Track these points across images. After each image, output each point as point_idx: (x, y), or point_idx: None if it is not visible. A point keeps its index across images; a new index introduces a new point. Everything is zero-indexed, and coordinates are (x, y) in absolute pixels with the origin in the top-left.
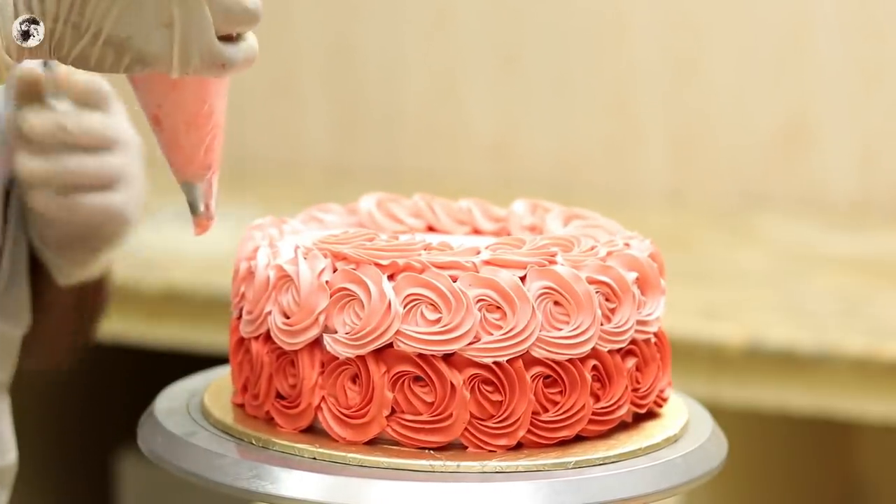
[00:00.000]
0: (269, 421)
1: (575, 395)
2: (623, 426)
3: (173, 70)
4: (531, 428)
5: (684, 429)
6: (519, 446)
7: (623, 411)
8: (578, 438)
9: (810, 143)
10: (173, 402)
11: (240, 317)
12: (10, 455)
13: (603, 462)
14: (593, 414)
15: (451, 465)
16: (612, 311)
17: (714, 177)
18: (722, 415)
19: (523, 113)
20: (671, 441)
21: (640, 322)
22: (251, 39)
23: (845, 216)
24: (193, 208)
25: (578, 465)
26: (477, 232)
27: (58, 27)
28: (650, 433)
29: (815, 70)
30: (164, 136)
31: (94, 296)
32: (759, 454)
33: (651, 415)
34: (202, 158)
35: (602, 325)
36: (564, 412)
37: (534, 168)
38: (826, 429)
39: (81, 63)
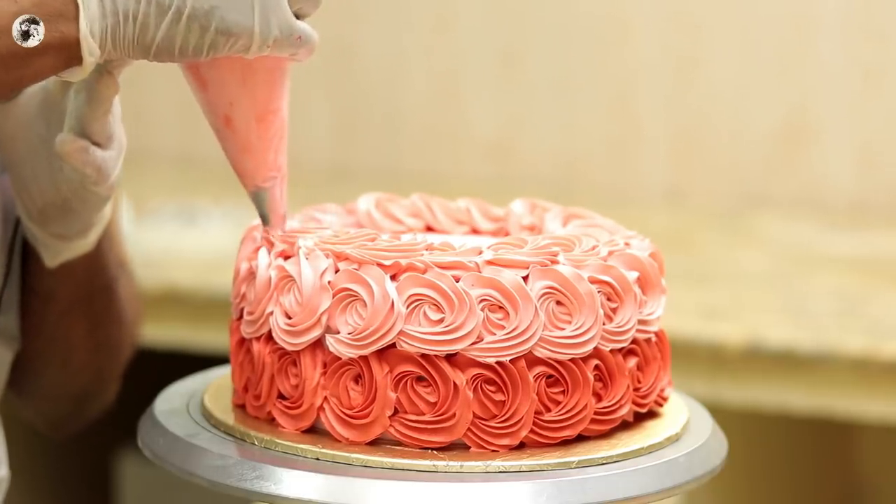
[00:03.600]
0: (271, 421)
1: (577, 395)
2: (624, 425)
3: (254, 42)
4: (534, 427)
5: (685, 428)
6: (521, 446)
7: (625, 411)
8: (580, 438)
9: (810, 143)
10: (173, 403)
11: (240, 317)
12: (1, 469)
13: (605, 462)
14: (595, 413)
15: (454, 465)
16: (614, 310)
17: (714, 177)
18: (722, 415)
19: (524, 113)
20: (673, 440)
21: (641, 321)
22: (312, 30)
23: (845, 216)
24: (265, 219)
25: (581, 465)
26: (476, 232)
27: (141, 7)
28: (651, 433)
29: (816, 70)
30: (236, 137)
31: (106, 313)
32: (759, 454)
33: (652, 414)
34: (272, 160)
35: (604, 324)
36: (567, 412)
37: (535, 168)
38: (826, 429)
39: (167, 46)
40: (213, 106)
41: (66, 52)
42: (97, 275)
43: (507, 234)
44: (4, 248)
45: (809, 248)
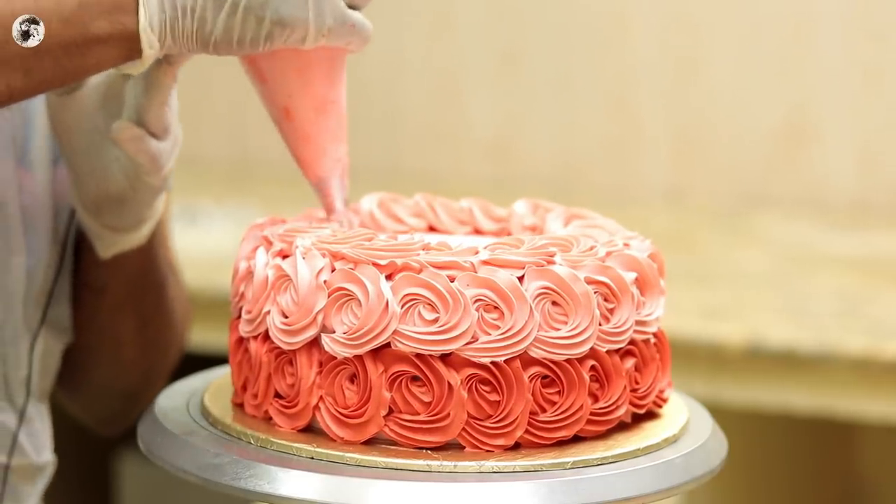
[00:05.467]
0: (268, 420)
1: (573, 396)
2: (622, 427)
3: (310, 32)
4: (529, 428)
5: (684, 429)
6: (517, 446)
7: (621, 412)
8: (577, 439)
9: (810, 143)
10: (173, 402)
11: (239, 316)
12: (46, 454)
13: (601, 462)
14: (591, 414)
15: (448, 465)
16: (611, 311)
17: (714, 176)
18: (722, 415)
19: (524, 113)
20: (670, 441)
21: (639, 322)
22: (365, 19)
23: (845, 216)
24: (328, 208)
25: (576, 466)
26: (478, 232)
27: (198, 3)
28: (649, 433)
29: (816, 70)
30: (296, 129)
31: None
32: (759, 454)
33: (651, 415)
34: (332, 150)
35: (600, 325)
36: (562, 412)
37: (534, 168)
38: (826, 429)
39: (226, 39)
40: (272, 98)
41: (126, 43)
42: (149, 272)
43: (509, 234)
44: (58, 241)
45: (810, 248)
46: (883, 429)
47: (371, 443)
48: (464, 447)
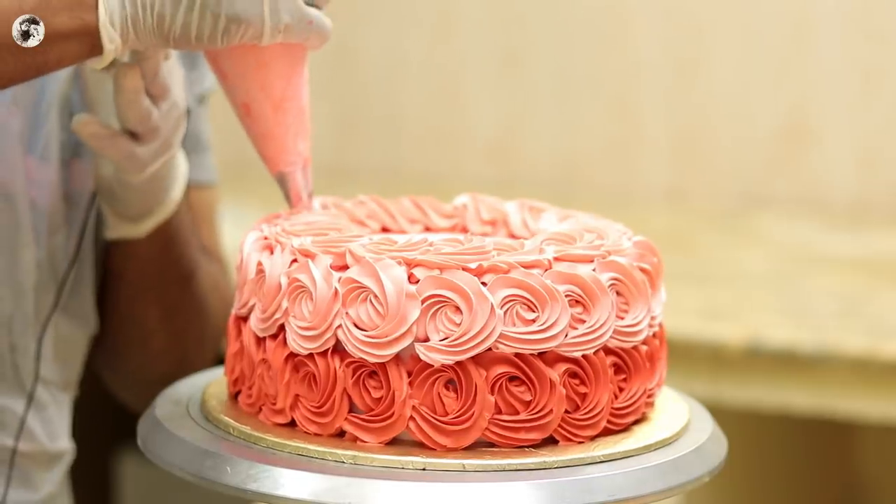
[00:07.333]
0: (258, 413)
1: (638, 382)
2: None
3: (265, 29)
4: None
5: (684, 429)
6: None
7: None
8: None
9: (811, 144)
10: (173, 402)
11: (246, 313)
12: (61, 441)
13: (603, 461)
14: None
15: (445, 463)
16: (627, 304)
17: (715, 177)
18: (722, 415)
19: (525, 114)
20: (670, 441)
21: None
22: (326, 17)
23: (845, 216)
24: (289, 200)
25: (575, 465)
26: (429, 229)
27: (156, 0)
28: (648, 434)
29: (816, 71)
30: (256, 125)
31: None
32: (759, 454)
33: (651, 415)
34: (292, 145)
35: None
36: (631, 397)
37: (535, 169)
38: (826, 429)
39: (184, 34)
40: (232, 95)
41: (87, 39)
42: (169, 265)
43: (464, 229)
44: (74, 230)
45: (810, 248)
46: (882, 429)
47: (395, 443)
48: (494, 445)
